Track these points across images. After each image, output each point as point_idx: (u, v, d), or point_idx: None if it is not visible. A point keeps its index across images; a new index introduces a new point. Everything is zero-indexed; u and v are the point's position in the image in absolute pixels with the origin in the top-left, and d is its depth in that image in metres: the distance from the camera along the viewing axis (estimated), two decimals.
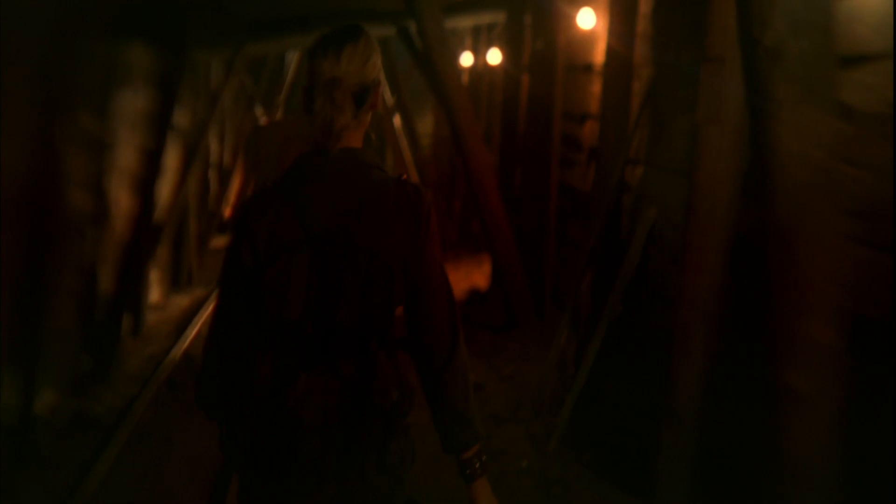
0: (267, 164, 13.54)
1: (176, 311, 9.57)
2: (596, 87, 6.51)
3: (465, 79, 12.72)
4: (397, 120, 15.13)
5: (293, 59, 16.62)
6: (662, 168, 5.22)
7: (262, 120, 15.65)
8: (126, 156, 7.70)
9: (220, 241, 13.64)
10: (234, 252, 2.24)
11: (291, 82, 16.44)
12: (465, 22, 9.63)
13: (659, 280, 5.23)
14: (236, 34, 8.79)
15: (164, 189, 9.23)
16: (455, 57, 8.17)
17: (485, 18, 10.15)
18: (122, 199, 7.57)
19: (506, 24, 9.08)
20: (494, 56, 9.78)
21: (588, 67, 6.71)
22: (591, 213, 6.28)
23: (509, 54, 9.04)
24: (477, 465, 2.34)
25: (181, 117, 10.12)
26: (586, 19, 6.35)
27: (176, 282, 10.55)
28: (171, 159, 9.70)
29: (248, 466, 2.27)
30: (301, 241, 2.17)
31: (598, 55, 6.40)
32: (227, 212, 15.01)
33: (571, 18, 6.74)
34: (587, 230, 6.56)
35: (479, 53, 11.31)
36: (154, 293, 9.60)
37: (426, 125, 17.12)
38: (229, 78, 9.54)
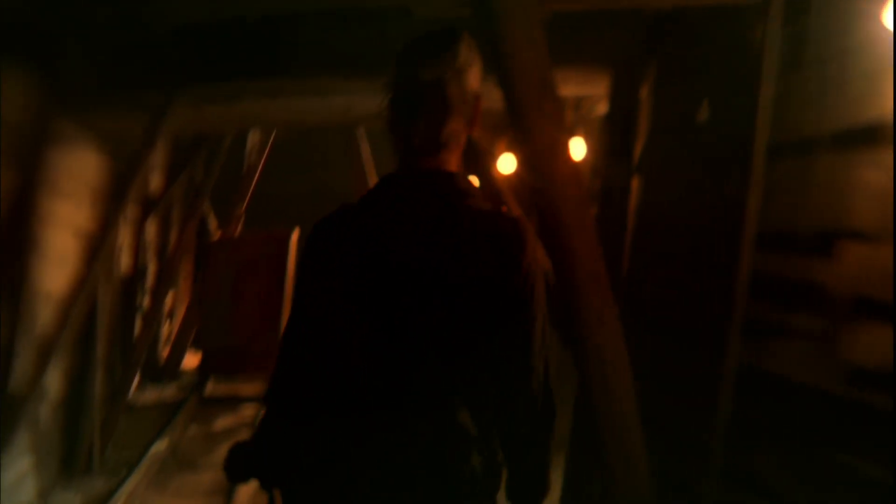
0: (220, 293, 10.60)
1: None
2: (876, 175, 3.14)
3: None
4: None
5: (256, 143, 12.71)
6: None
7: (215, 234, 12.30)
8: None
9: (153, 396, 10.39)
10: (300, 286, 2.14)
11: (256, 182, 12.71)
12: None
13: None
14: (165, 67, 5.48)
15: (40, 323, 6.02)
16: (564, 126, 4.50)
17: (566, 88, 6.45)
18: None
19: (609, 94, 5.60)
20: (576, 148, 6.24)
21: (865, 133, 3.28)
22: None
23: (609, 143, 5.59)
24: None
25: (76, 211, 6.88)
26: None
27: (67, 468, 7.22)
28: (56, 279, 6.51)
29: None
30: (369, 273, 1.98)
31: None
32: (164, 353, 11.58)
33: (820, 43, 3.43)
34: None
35: None
36: (26, 488, 6.39)
37: None
38: (149, 148, 6.03)
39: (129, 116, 6.34)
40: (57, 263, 6.45)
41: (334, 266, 2.04)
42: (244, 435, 8.89)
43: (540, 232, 4.24)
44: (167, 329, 11.92)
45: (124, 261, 9.21)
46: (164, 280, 10.21)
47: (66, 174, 6.41)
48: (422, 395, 1.98)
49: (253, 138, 12.48)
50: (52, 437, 6.92)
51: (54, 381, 6.73)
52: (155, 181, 10.38)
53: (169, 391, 10.74)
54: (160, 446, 7.92)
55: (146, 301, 10.35)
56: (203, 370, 10.68)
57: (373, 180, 9.89)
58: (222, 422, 9.31)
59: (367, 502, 1.98)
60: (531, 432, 2.08)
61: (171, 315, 12.01)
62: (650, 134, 5.19)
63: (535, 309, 2.04)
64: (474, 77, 2.08)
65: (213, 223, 12.25)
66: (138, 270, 9.90)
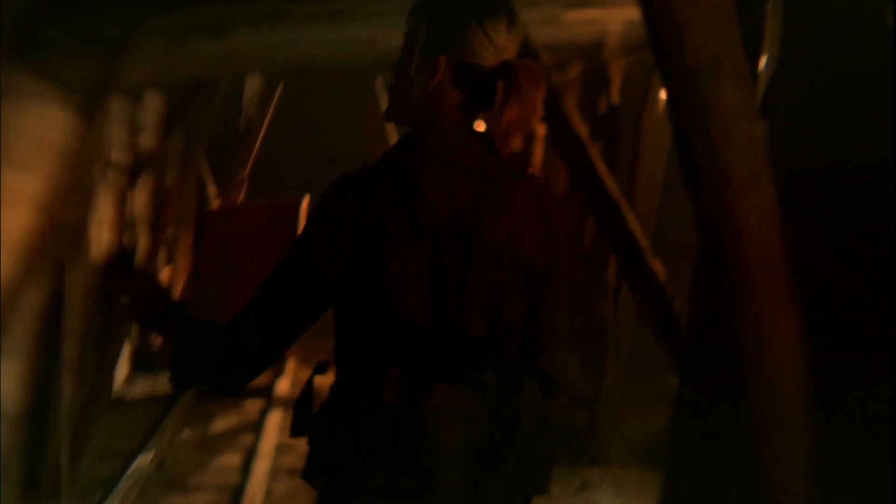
0: (217, 271, 9.33)
1: None
2: None
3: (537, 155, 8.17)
4: None
5: (255, 91, 11.00)
6: None
7: (214, 203, 10.92)
8: None
9: (144, 388, 9.19)
10: (313, 244, 2.00)
11: (261, 144, 11.30)
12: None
13: None
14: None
15: None
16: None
17: None
18: None
19: None
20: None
21: None
22: None
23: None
24: None
25: (35, 182, 5.59)
26: None
27: (31, 493, 6.01)
28: (10, 265, 4.88)
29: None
30: (415, 231, 1.92)
31: None
32: (158, 339, 10.27)
33: None
34: None
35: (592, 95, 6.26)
36: None
37: None
38: (105, 96, 4.80)
39: (95, 59, 5.02)
40: (11, 246, 5.17)
41: (371, 217, 1.92)
42: (247, 440, 7.90)
43: (689, 190, 3.05)
44: None
45: (105, 237, 7.91)
46: (155, 254, 8.88)
47: (21, 137, 5.11)
48: (482, 352, 1.97)
49: (252, 85, 10.85)
50: (11, 457, 5.67)
51: (11, 389, 5.48)
52: (146, 143, 9.06)
53: (162, 382, 9.36)
54: (144, 460, 6.64)
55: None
56: None
57: (393, 140, 8.64)
58: (221, 422, 8.09)
59: (440, 462, 1.92)
60: (562, 377, 2.13)
61: None
62: (783, 61, 3.85)
63: (565, 262, 2.13)
64: None
65: (212, 191, 10.88)
66: (124, 248, 8.58)
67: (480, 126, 2.02)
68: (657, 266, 4.10)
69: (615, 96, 5.41)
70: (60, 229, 5.62)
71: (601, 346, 6.53)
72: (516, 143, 2.00)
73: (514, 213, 1.98)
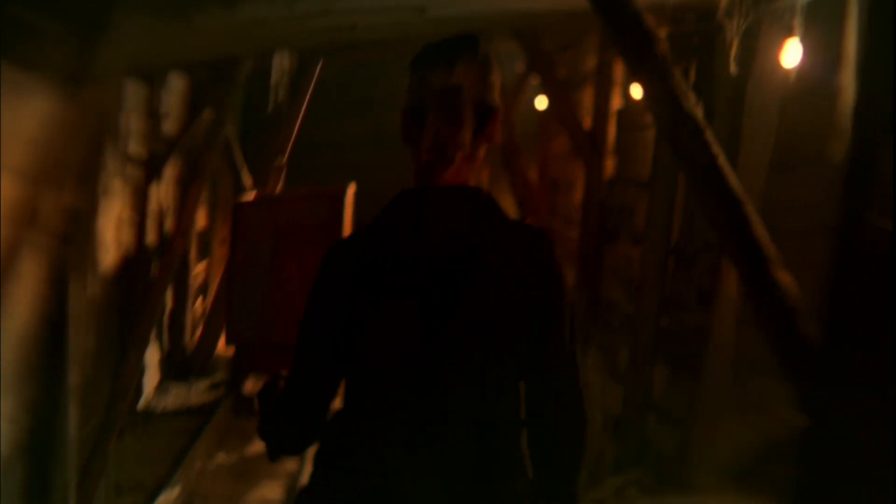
0: (253, 270, 8.45)
1: None
2: None
3: (611, 133, 7.29)
4: None
5: (285, 71, 9.98)
6: None
7: (250, 192, 9.97)
8: None
9: (176, 399, 8.34)
10: (322, 298, 2.03)
11: (301, 123, 10.27)
12: None
13: None
14: None
15: None
16: None
17: None
18: None
19: None
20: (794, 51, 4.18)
21: None
22: None
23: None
24: None
25: (23, 188, 4.73)
26: None
27: None
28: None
29: None
30: (404, 292, 1.95)
31: None
32: (196, 337, 9.53)
33: None
34: None
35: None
36: None
37: None
38: (92, 80, 4.01)
39: (72, 39, 4.15)
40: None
41: (365, 276, 1.96)
42: (289, 465, 6.98)
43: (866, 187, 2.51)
44: (199, 309, 9.82)
45: (123, 239, 7.08)
46: (175, 248, 7.99)
47: (5, 137, 4.33)
48: (461, 415, 1.95)
49: (280, 64, 9.88)
50: (10, 498, 5.03)
51: (6, 420, 4.76)
52: (170, 130, 8.22)
53: (197, 391, 8.73)
54: (169, 496, 5.80)
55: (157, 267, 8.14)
56: (237, 368, 8.61)
57: None
58: (260, 442, 7.21)
59: None
60: (575, 436, 2.10)
61: (202, 292, 9.95)
62: None
63: (564, 315, 2.05)
64: (492, 87, 2.02)
65: (247, 179, 10.00)
66: (145, 248, 7.74)
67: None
68: (786, 279, 3.20)
69: (732, 66, 4.49)
70: (58, 237, 4.84)
71: (694, 357, 5.64)
72: (450, 169, 1.98)
73: (501, 266, 1.95)
